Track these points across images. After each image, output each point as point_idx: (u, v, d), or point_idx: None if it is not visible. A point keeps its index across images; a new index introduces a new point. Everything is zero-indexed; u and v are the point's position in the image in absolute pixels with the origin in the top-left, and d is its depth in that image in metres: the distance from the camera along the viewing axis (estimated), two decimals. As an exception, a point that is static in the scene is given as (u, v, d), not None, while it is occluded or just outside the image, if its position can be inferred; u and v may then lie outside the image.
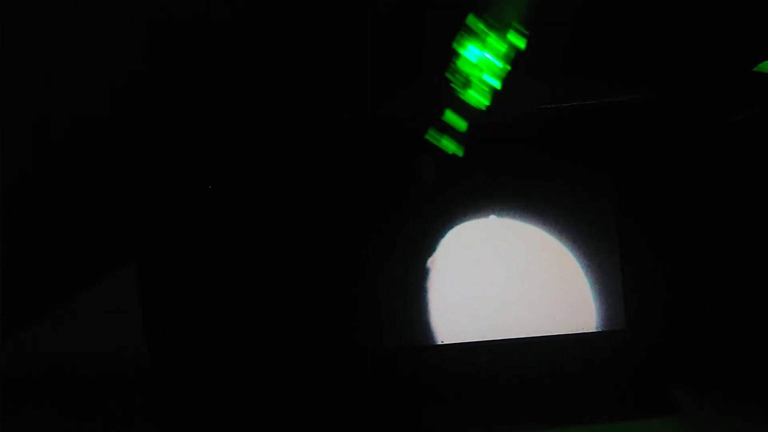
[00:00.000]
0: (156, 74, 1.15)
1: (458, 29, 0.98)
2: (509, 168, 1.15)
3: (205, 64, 1.15)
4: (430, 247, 1.16)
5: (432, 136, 1.10)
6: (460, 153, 1.11)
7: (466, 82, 0.79)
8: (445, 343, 1.16)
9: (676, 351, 1.14)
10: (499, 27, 0.76)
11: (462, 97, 0.80)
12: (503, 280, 1.16)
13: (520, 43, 0.75)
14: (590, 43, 1.01)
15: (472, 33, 0.77)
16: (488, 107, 1.10)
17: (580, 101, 1.14)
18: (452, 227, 1.16)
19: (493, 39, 0.77)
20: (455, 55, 0.77)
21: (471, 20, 0.75)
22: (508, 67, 0.78)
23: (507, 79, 1.13)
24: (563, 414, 1.14)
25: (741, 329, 1.14)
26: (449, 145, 1.12)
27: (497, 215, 1.16)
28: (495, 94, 1.13)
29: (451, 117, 0.82)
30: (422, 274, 1.16)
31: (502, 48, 0.76)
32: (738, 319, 1.13)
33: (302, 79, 1.15)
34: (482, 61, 0.77)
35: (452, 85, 0.80)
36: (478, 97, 0.80)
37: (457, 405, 1.15)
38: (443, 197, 1.15)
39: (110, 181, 1.18)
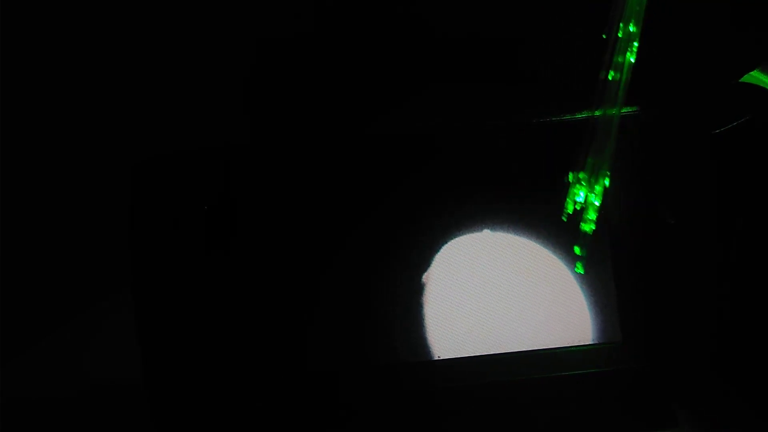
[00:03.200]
0: (150, 92, 1.15)
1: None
2: (503, 182, 1.15)
3: (200, 81, 1.15)
4: (424, 263, 1.16)
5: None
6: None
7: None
8: (441, 358, 1.16)
9: (673, 362, 1.14)
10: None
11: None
12: (498, 294, 1.16)
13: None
14: (579, 58, 1.01)
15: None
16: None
17: (571, 114, 1.14)
18: (446, 242, 1.16)
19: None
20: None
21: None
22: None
23: (497, 92, 1.15)
24: (560, 427, 1.13)
25: (736, 339, 1.14)
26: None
27: (491, 229, 1.16)
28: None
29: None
30: (417, 289, 1.16)
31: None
32: (733, 329, 1.13)
33: (295, 97, 1.16)
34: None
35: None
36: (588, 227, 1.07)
37: (455, 420, 1.15)
38: (437, 212, 1.16)
39: (104, 202, 1.18)
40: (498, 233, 1.16)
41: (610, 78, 1.02)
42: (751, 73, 1.11)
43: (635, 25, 1.00)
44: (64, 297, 1.24)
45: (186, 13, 1.11)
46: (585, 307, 1.15)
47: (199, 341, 1.14)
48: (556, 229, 1.16)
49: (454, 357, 1.16)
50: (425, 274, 1.16)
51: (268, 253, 1.15)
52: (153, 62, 1.14)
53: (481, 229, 1.16)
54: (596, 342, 1.15)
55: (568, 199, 1.06)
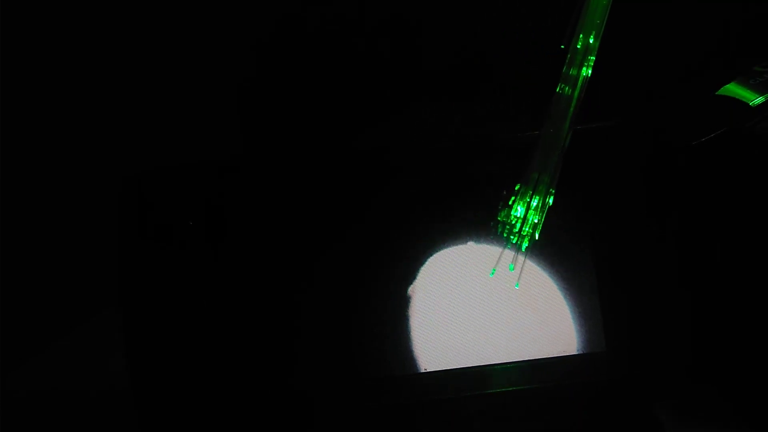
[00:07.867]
0: (138, 109, 1.16)
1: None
2: (486, 194, 1.16)
3: (191, 87, 1.17)
4: (410, 276, 1.17)
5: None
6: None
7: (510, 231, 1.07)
8: (428, 371, 1.16)
9: (656, 370, 1.15)
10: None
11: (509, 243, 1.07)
12: (483, 306, 1.17)
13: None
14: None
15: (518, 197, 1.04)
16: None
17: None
18: (431, 255, 1.17)
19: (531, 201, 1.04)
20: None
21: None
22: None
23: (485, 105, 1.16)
24: (548, 437, 1.14)
25: (719, 346, 1.15)
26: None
27: (475, 242, 1.17)
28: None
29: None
30: (403, 302, 1.17)
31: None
32: (716, 336, 1.15)
33: (282, 112, 1.17)
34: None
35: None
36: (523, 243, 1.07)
37: (443, 432, 1.15)
38: (421, 225, 1.17)
39: (96, 214, 1.18)
40: (482, 245, 1.17)
41: (559, 91, 0.99)
42: (728, 86, 1.13)
43: (595, 38, 0.96)
44: (57, 309, 1.24)
45: (175, 16, 1.13)
46: (569, 318, 1.16)
47: (187, 355, 1.13)
48: (540, 241, 1.17)
49: (440, 369, 1.16)
50: (411, 286, 1.17)
51: (255, 266, 1.15)
52: (144, 68, 1.15)
53: (466, 242, 1.17)
54: (581, 352, 1.16)
55: (502, 214, 1.05)
